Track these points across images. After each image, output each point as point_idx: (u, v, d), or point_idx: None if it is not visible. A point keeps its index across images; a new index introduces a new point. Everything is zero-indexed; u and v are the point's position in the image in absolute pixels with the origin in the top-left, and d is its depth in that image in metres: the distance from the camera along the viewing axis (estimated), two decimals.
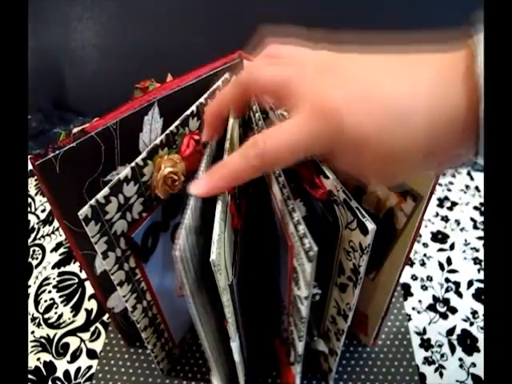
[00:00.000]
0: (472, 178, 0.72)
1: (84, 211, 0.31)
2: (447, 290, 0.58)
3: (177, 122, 0.37)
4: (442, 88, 0.22)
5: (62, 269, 0.62)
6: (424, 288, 0.58)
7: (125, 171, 0.33)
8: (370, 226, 0.31)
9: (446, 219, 0.66)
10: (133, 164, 0.34)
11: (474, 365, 0.51)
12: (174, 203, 0.41)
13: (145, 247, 0.39)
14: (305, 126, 0.25)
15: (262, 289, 0.46)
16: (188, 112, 0.38)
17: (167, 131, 0.36)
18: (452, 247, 0.62)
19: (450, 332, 0.54)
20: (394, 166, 0.24)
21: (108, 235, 0.34)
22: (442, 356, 0.52)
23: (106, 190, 0.32)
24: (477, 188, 0.70)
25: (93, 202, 0.31)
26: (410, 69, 0.24)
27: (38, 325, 0.56)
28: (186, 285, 0.30)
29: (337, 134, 0.24)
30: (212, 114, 0.33)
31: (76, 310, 0.58)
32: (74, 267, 0.62)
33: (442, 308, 0.56)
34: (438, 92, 0.22)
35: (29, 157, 0.32)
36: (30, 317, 0.57)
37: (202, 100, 0.39)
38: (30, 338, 0.55)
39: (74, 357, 0.53)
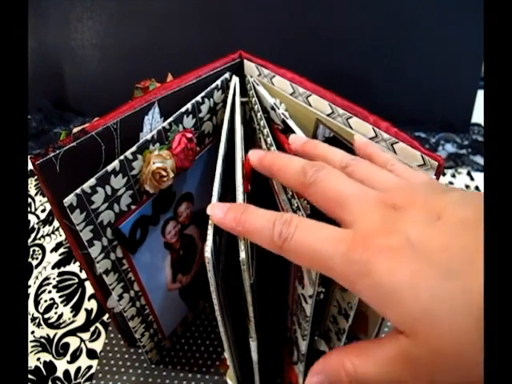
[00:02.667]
0: (472, 178, 0.72)
1: (69, 199, 0.32)
2: None
3: (170, 119, 0.37)
4: None
5: (62, 269, 0.62)
6: None
7: (113, 163, 0.34)
8: None
9: None
10: (121, 157, 0.34)
11: None
12: (165, 198, 0.41)
13: (133, 239, 0.39)
14: (338, 249, 0.22)
15: (266, 288, 0.46)
16: (183, 110, 0.38)
17: (159, 127, 0.36)
18: None
19: None
20: None
21: (94, 224, 0.35)
22: None
23: (92, 181, 0.33)
24: (477, 188, 0.70)
25: (78, 191, 0.32)
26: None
27: (38, 325, 0.56)
28: (213, 286, 0.30)
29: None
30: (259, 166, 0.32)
31: (76, 309, 0.58)
32: (74, 267, 0.62)
33: None
34: None
35: (29, 157, 0.31)
36: (30, 317, 0.57)
37: (197, 98, 0.39)
38: (30, 337, 0.55)
39: (74, 357, 0.53)
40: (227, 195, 0.37)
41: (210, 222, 0.30)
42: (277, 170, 0.30)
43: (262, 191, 0.39)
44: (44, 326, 0.56)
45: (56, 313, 0.57)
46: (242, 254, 0.28)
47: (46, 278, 0.61)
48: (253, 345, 0.37)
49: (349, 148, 0.36)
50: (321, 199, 0.26)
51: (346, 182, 0.25)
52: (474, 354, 0.19)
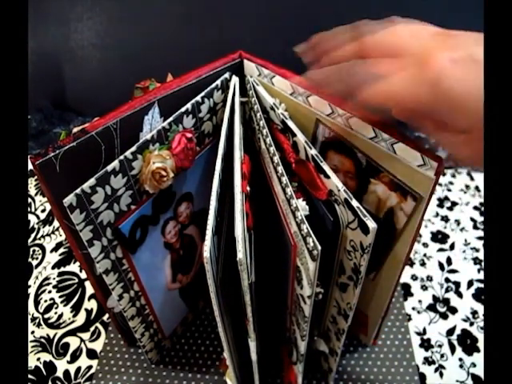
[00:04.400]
0: (472, 178, 0.72)
1: (69, 199, 0.31)
2: (447, 290, 0.58)
3: (170, 119, 0.37)
4: None
5: (62, 269, 0.62)
6: (424, 288, 0.58)
7: (113, 163, 0.34)
8: (371, 225, 0.31)
9: (446, 219, 0.66)
10: (121, 157, 0.34)
11: (474, 365, 0.51)
12: (165, 198, 0.41)
13: (132, 239, 0.39)
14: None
15: (265, 288, 0.46)
16: (183, 109, 0.38)
17: (159, 127, 0.36)
18: (452, 247, 0.62)
19: (450, 332, 0.54)
20: None
21: (94, 224, 0.35)
22: (442, 356, 0.52)
23: (91, 181, 0.33)
24: (477, 188, 0.70)
25: (78, 191, 0.32)
26: None
27: (38, 325, 0.56)
28: (212, 286, 0.31)
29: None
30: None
31: (76, 309, 0.58)
32: (74, 267, 0.62)
33: (442, 308, 0.56)
34: None
35: (29, 157, 0.31)
36: (30, 317, 0.57)
37: (197, 98, 0.39)
38: (30, 337, 0.55)
39: (74, 357, 0.53)
40: (226, 195, 0.37)
41: (208, 222, 0.30)
42: None
43: (262, 192, 0.39)
44: (44, 325, 0.56)
45: (56, 313, 0.57)
46: (240, 255, 0.28)
47: (46, 278, 0.61)
48: (252, 345, 0.37)
49: (349, 148, 0.36)
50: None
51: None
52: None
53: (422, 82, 0.24)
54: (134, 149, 0.35)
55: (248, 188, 0.35)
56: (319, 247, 0.29)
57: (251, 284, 0.32)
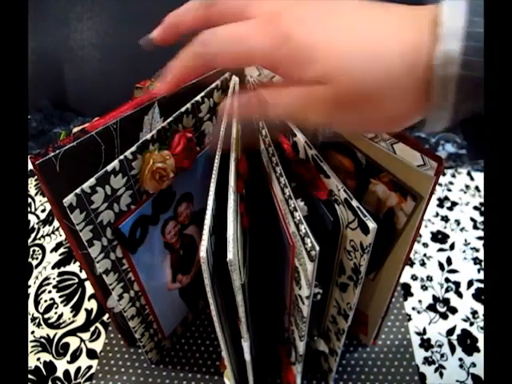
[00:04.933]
0: (472, 178, 0.72)
1: (69, 199, 0.31)
2: (447, 290, 0.58)
3: (170, 119, 0.37)
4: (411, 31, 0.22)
5: (62, 269, 0.62)
6: (424, 288, 0.58)
7: (113, 163, 0.34)
8: (371, 225, 0.31)
9: (446, 219, 0.66)
10: (121, 157, 0.34)
11: (474, 365, 0.51)
12: (165, 198, 0.41)
13: (132, 238, 0.39)
14: (254, 27, 0.25)
15: (263, 289, 0.46)
16: (182, 109, 0.38)
17: (159, 127, 0.36)
18: (452, 247, 0.62)
19: (450, 332, 0.54)
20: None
21: (93, 224, 0.35)
22: (442, 356, 0.52)
23: (91, 181, 0.33)
24: (477, 188, 0.70)
25: (78, 190, 0.32)
26: (384, 12, 0.24)
27: (38, 325, 0.56)
28: (209, 286, 0.31)
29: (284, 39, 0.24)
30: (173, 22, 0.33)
31: (76, 310, 0.58)
32: (74, 267, 0.62)
33: (442, 308, 0.56)
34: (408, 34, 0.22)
35: (29, 157, 0.32)
36: (30, 317, 0.57)
37: (197, 98, 0.39)
38: (30, 337, 0.55)
39: (74, 357, 0.53)
40: (225, 195, 0.37)
41: (205, 221, 0.30)
42: None
43: (261, 192, 0.39)
44: (44, 326, 0.56)
45: (56, 313, 0.57)
46: (230, 255, 0.28)
47: (46, 278, 0.61)
48: (245, 345, 0.36)
49: (349, 148, 0.36)
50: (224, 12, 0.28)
51: None
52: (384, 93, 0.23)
53: (275, 39, 0.24)
54: (133, 149, 0.35)
55: (244, 188, 0.35)
56: (317, 248, 0.29)
57: (243, 285, 0.32)
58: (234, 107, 0.31)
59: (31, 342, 0.54)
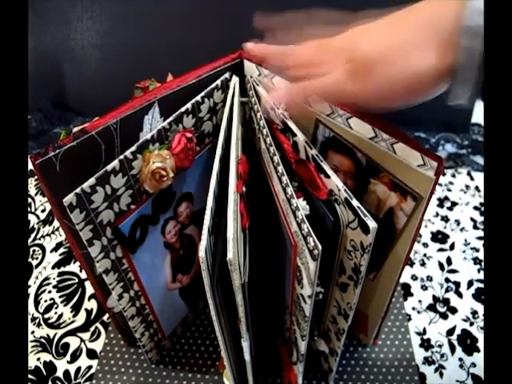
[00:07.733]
0: (472, 178, 0.72)
1: (69, 199, 0.31)
2: (447, 290, 0.58)
3: (170, 119, 0.37)
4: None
5: (62, 269, 0.62)
6: (424, 288, 0.58)
7: (113, 163, 0.34)
8: (372, 224, 0.31)
9: (446, 219, 0.66)
10: (121, 157, 0.34)
11: (474, 365, 0.51)
12: (165, 198, 0.41)
13: (132, 238, 0.39)
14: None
15: (264, 288, 0.46)
16: (183, 109, 0.38)
17: (159, 127, 0.36)
18: (452, 247, 0.62)
19: (450, 332, 0.54)
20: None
21: (93, 224, 0.35)
22: (442, 356, 0.52)
23: (91, 180, 0.33)
24: (477, 188, 0.70)
25: (78, 190, 0.32)
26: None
27: (38, 325, 0.56)
28: (208, 286, 0.31)
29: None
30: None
31: (76, 310, 0.58)
32: (74, 267, 0.62)
33: (442, 308, 0.56)
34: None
35: (29, 156, 0.32)
36: (30, 317, 0.57)
37: (197, 98, 0.39)
38: (30, 337, 0.55)
39: (74, 357, 0.53)
40: (224, 195, 0.37)
41: (204, 221, 0.30)
42: None
43: (262, 192, 0.39)
44: (44, 326, 0.56)
45: (56, 313, 0.57)
46: (230, 255, 0.28)
47: (46, 278, 0.61)
48: (245, 345, 0.36)
49: (349, 148, 0.36)
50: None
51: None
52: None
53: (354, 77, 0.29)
54: (133, 148, 0.35)
55: (244, 188, 0.35)
56: (320, 247, 0.29)
57: (243, 284, 0.32)
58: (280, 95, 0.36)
59: (31, 341, 0.54)
